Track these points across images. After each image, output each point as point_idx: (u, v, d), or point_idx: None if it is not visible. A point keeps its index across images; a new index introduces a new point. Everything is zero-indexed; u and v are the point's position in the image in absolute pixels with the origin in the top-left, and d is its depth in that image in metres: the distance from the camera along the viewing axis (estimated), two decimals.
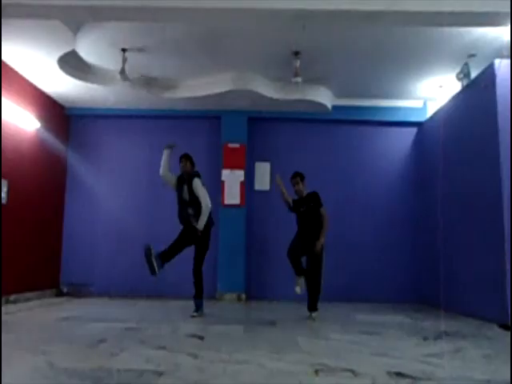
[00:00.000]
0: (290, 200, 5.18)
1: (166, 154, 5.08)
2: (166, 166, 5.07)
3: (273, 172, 7.14)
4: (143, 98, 6.67)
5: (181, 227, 5.08)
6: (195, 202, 4.92)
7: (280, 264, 6.88)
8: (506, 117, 4.75)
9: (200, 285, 4.97)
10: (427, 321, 5.03)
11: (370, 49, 5.37)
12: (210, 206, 4.91)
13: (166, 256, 4.83)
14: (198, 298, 4.97)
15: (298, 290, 4.84)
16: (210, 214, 4.94)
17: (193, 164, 5.11)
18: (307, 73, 5.78)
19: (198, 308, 4.95)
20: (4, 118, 5.52)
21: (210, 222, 5.00)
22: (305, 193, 5.13)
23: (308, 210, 5.01)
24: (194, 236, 4.90)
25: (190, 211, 4.95)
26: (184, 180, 5.03)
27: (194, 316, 4.83)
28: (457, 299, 5.56)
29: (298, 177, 5.15)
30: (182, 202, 5.04)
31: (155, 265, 4.65)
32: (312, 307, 4.90)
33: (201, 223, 4.85)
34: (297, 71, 5.51)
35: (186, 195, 4.99)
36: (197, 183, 4.94)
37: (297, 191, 5.14)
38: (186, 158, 5.08)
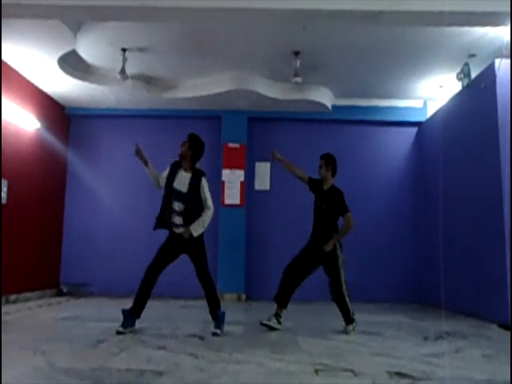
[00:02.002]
0: (305, 176, 4.49)
1: (148, 169, 4.18)
2: (155, 178, 4.17)
3: (273, 172, 7.15)
4: (143, 98, 6.68)
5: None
6: (193, 198, 4.00)
7: (280, 264, 6.86)
8: (505, 117, 4.76)
9: (216, 293, 4.13)
10: (427, 321, 5.03)
11: (370, 49, 5.37)
12: (213, 210, 4.10)
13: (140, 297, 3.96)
14: (219, 308, 4.06)
15: (271, 323, 4.16)
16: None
17: (196, 153, 4.10)
18: (307, 73, 5.78)
19: (222, 321, 4.00)
20: (4, 118, 5.52)
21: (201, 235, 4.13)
22: (329, 183, 4.40)
23: (327, 208, 4.30)
24: (188, 244, 3.99)
25: (181, 207, 3.96)
26: (179, 167, 4.11)
27: (217, 334, 3.84)
28: (457, 299, 5.56)
29: (322, 159, 4.41)
30: (171, 193, 4.01)
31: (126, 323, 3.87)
32: (345, 320, 4.22)
33: (198, 228, 3.96)
34: (297, 71, 5.51)
35: (181, 186, 4.01)
36: (205, 183, 4.09)
37: (321, 175, 4.42)
38: (188, 141, 4.11)
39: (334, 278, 4.25)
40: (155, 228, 4.05)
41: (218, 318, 3.97)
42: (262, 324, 4.16)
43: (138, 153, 4.18)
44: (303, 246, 4.39)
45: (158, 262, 3.99)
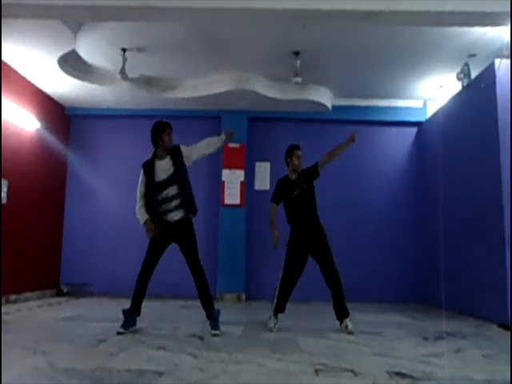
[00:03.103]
0: (275, 208, 4.46)
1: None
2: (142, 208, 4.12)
3: (273, 172, 7.15)
4: (143, 98, 6.68)
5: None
6: (182, 174, 3.94)
7: (280, 264, 6.88)
8: (505, 117, 4.75)
9: (209, 288, 3.98)
10: (427, 321, 5.03)
11: (370, 49, 5.37)
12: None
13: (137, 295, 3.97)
14: (213, 308, 3.94)
15: (272, 326, 4.16)
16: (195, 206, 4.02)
17: (153, 138, 4.05)
18: (307, 73, 5.78)
19: (218, 320, 3.90)
20: (4, 118, 5.52)
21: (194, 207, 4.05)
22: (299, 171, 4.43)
23: (302, 191, 4.31)
24: (180, 229, 3.92)
25: (174, 190, 3.90)
26: (154, 160, 4.03)
27: (217, 335, 3.77)
28: (457, 299, 5.56)
29: (300, 150, 4.42)
30: (160, 184, 3.94)
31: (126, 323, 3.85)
32: (343, 312, 4.14)
33: (192, 205, 3.93)
34: (297, 71, 5.51)
35: (166, 171, 3.93)
36: (184, 148, 4.07)
37: (295, 166, 4.37)
38: (171, 128, 4.06)
39: (328, 257, 4.19)
40: (152, 220, 3.99)
41: (213, 317, 3.90)
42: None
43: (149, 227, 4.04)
44: (287, 250, 4.32)
45: (150, 255, 3.98)
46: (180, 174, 3.96)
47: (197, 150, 4.11)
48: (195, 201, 4.06)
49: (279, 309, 4.28)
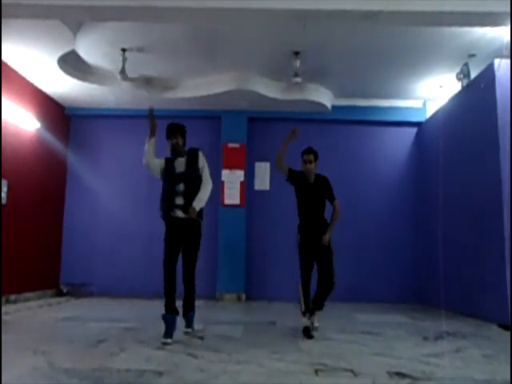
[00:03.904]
0: (286, 167, 4.36)
1: (150, 141, 3.99)
2: (151, 155, 3.98)
3: (273, 172, 7.15)
4: (143, 98, 6.66)
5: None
6: (192, 176, 3.92)
7: (280, 264, 6.90)
8: (505, 117, 4.75)
9: (194, 294, 3.99)
10: (427, 321, 5.03)
11: (370, 49, 5.37)
12: (212, 184, 4.00)
13: (169, 291, 3.75)
14: (192, 310, 3.99)
15: (315, 322, 4.09)
16: (202, 209, 3.93)
17: (185, 138, 4.07)
18: (307, 73, 5.79)
19: (192, 322, 4.00)
20: (4, 118, 5.52)
21: (201, 213, 3.98)
22: (314, 175, 4.32)
23: (320, 200, 4.27)
24: (187, 229, 3.84)
25: (181, 188, 3.86)
26: (176, 157, 4.01)
27: (189, 333, 3.88)
28: (457, 299, 5.56)
29: (311, 154, 4.28)
30: (172, 179, 3.92)
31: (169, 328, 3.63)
32: (319, 305, 4.13)
33: (200, 201, 3.83)
34: (297, 71, 5.51)
35: (180, 168, 3.94)
36: (202, 156, 4.03)
37: (307, 170, 4.28)
38: (176, 132, 4.00)
39: (330, 267, 4.10)
40: (163, 217, 3.92)
41: (189, 318, 3.94)
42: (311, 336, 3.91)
43: (151, 115, 3.98)
44: (299, 246, 4.26)
45: (169, 252, 3.80)
46: (189, 175, 3.92)
47: (205, 175, 4.01)
48: (202, 205, 3.90)
49: (307, 309, 4.09)
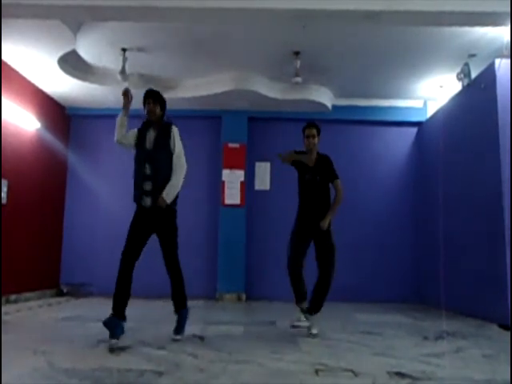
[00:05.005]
0: (290, 160, 4.10)
1: (122, 117, 3.73)
2: (122, 131, 3.68)
3: (273, 172, 7.15)
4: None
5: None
6: (160, 155, 3.48)
7: (280, 264, 6.85)
8: (505, 117, 4.75)
9: (184, 287, 3.66)
10: (427, 321, 5.03)
11: (370, 49, 5.37)
12: (186, 166, 3.57)
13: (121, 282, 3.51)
14: (185, 308, 3.68)
15: (313, 329, 3.84)
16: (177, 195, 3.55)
17: (164, 109, 3.72)
18: (307, 73, 5.78)
19: (184, 324, 3.63)
20: (4, 118, 5.52)
21: (176, 199, 3.60)
22: (316, 152, 4.06)
23: (319, 180, 4.00)
24: (157, 218, 3.46)
25: (148, 171, 3.45)
26: (150, 127, 3.67)
27: (178, 340, 3.51)
28: (457, 299, 5.56)
29: (313, 128, 4.00)
30: (140, 157, 3.54)
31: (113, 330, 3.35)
32: (316, 307, 3.90)
33: (171, 190, 3.42)
34: (297, 71, 5.52)
35: (149, 144, 3.53)
36: (176, 132, 3.61)
37: (309, 146, 4.02)
38: (154, 97, 3.67)
39: (330, 254, 3.88)
40: (135, 200, 3.60)
41: (180, 318, 3.63)
42: (294, 327, 3.86)
43: (126, 94, 3.75)
44: (292, 230, 4.04)
45: (130, 244, 3.47)
46: (157, 154, 3.47)
47: (176, 156, 3.57)
48: (174, 195, 3.49)
49: (299, 297, 3.90)
